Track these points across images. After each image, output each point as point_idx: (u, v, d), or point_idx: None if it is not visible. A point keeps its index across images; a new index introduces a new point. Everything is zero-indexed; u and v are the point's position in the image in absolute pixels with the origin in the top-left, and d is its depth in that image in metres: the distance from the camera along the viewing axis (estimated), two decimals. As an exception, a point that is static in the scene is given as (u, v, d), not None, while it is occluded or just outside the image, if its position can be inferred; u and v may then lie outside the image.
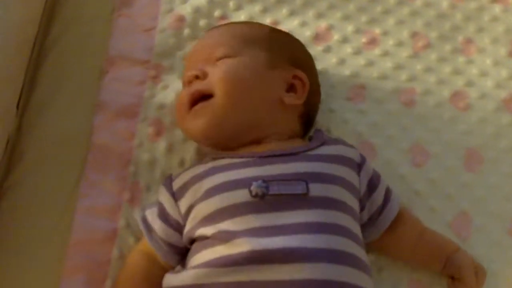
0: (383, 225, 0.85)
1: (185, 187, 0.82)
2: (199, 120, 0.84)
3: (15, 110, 0.95)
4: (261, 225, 0.74)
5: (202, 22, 1.07)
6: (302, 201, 0.76)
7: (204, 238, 0.77)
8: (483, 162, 0.98)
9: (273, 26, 1.05)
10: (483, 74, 1.05)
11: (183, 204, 0.81)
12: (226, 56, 0.86)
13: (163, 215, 0.83)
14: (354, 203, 0.81)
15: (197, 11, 1.08)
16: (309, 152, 0.83)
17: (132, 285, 0.82)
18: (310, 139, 0.90)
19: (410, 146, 0.98)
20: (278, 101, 0.87)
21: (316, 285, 0.70)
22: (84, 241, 0.87)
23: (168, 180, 0.86)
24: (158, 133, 0.97)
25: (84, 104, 1.00)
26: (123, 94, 1.00)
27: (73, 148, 0.96)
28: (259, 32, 0.92)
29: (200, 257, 0.75)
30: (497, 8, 1.12)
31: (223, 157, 0.84)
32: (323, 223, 0.75)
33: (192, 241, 0.79)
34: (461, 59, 1.06)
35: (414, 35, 1.08)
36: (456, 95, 1.03)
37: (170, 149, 0.95)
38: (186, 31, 1.06)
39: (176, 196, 0.83)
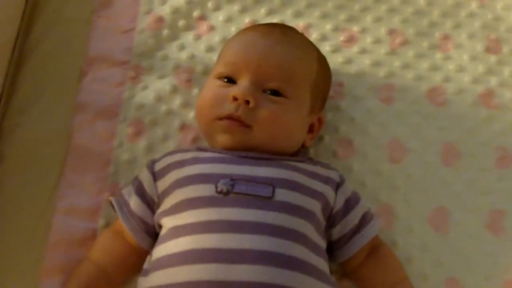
0: (351, 249, 0.85)
1: (167, 169, 0.85)
2: (228, 136, 0.84)
3: (-6, 114, 0.96)
4: (218, 219, 0.76)
5: (181, 23, 1.08)
6: (265, 203, 0.78)
7: (164, 229, 0.80)
8: (461, 157, 0.98)
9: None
10: (460, 69, 1.06)
11: (161, 184, 0.84)
12: (281, 92, 0.85)
13: (140, 191, 0.86)
14: (320, 215, 0.82)
15: (176, 11, 1.08)
16: (286, 162, 0.84)
17: (96, 250, 0.85)
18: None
19: (388, 142, 0.99)
20: (301, 143, 0.91)
21: None
22: (63, 241, 0.88)
23: (151, 162, 0.89)
24: (137, 133, 0.97)
25: (64, 106, 1.00)
26: (102, 95, 1.00)
27: (53, 149, 0.96)
28: (311, 69, 0.90)
29: (157, 252, 0.79)
30: (473, 4, 1.13)
31: (206, 150, 0.87)
32: (281, 227, 0.76)
33: (159, 226, 0.83)
34: (438, 55, 1.07)
35: (391, 32, 1.09)
36: (434, 91, 1.03)
37: (150, 148, 0.96)
38: (165, 32, 1.07)
39: (156, 176, 0.86)
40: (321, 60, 0.95)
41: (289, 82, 0.86)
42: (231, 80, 0.87)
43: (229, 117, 0.84)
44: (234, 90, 0.84)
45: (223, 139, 0.85)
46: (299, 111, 0.88)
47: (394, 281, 0.85)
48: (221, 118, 0.85)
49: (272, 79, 0.85)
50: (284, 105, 0.85)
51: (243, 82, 0.85)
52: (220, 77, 0.88)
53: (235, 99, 0.84)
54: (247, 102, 0.83)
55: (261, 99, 0.85)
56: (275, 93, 0.86)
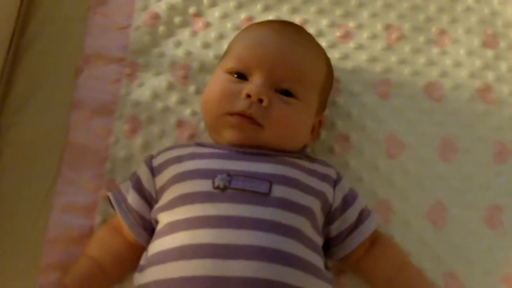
0: (350, 245, 0.85)
1: (165, 165, 0.85)
2: (237, 132, 0.84)
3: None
4: (215, 214, 0.76)
5: (176, 19, 1.08)
6: (262, 199, 0.78)
7: (160, 225, 0.80)
8: (458, 151, 0.98)
9: (248, 22, 1.06)
10: (457, 64, 1.06)
11: (159, 180, 0.84)
12: (292, 92, 0.85)
13: (138, 187, 0.86)
14: (318, 212, 0.82)
15: (171, 8, 1.08)
16: (285, 158, 0.84)
17: (94, 246, 0.85)
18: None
19: (385, 138, 0.98)
20: (304, 143, 0.91)
21: (257, 284, 0.71)
22: (61, 238, 0.88)
23: (149, 157, 0.89)
24: (134, 130, 0.97)
25: (60, 103, 1.00)
26: (99, 92, 1.00)
27: (50, 147, 0.96)
28: (321, 73, 0.91)
29: (153, 247, 0.78)
30: (470, -1, 1.13)
31: (204, 146, 0.87)
32: (277, 223, 0.76)
33: (156, 222, 0.83)
34: (435, 50, 1.07)
35: (387, 27, 1.09)
36: (431, 86, 1.03)
37: (146, 145, 0.96)
38: (161, 29, 1.06)
39: (154, 172, 0.86)
40: (328, 62, 0.95)
41: (301, 83, 0.86)
42: (241, 76, 0.87)
43: (241, 114, 0.83)
44: (248, 87, 0.83)
45: (231, 134, 0.84)
46: (308, 113, 0.88)
47: (397, 268, 0.85)
48: (231, 114, 0.84)
49: (286, 80, 0.85)
50: (295, 106, 0.85)
51: (257, 80, 0.85)
52: (230, 72, 0.88)
53: (248, 96, 0.83)
54: (260, 100, 0.83)
55: (274, 98, 0.84)
56: (287, 93, 0.85)
